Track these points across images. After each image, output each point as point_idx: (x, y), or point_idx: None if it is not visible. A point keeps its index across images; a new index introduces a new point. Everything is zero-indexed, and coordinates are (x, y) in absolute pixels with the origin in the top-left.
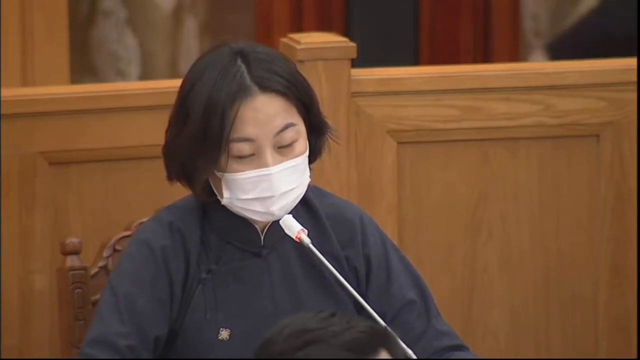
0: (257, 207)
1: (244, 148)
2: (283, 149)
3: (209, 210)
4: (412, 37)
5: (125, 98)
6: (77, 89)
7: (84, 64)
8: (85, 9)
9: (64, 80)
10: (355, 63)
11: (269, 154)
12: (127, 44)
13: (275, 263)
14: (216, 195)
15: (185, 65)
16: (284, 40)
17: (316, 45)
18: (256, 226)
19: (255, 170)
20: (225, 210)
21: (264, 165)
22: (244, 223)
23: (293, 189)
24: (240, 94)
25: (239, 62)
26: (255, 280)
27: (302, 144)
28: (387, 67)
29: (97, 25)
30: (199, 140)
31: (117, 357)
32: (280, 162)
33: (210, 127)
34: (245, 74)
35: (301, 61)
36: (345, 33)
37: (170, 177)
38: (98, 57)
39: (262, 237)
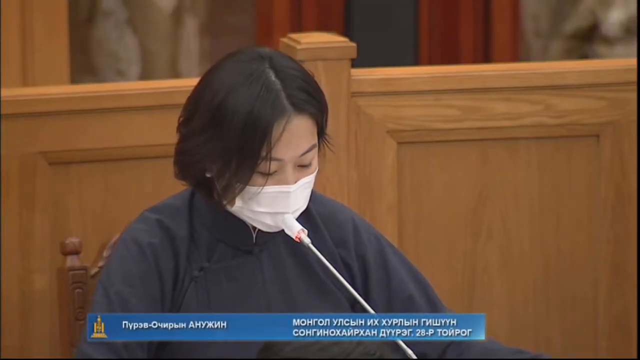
0: (268, 220)
1: (272, 166)
2: (301, 166)
3: (199, 207)
4: (412, 37)
5: (125, 98)
6: (77, 89)
7: (84, 64)
8: (85, 9)
9: (64, 80)
10: (355, 63)
11: (290, 172)
12: (127, 44)
13: (267, 261)
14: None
15: (185, 65)
16: (284, 40)
17: (316, 45)
18: (248, 224)
19: (276, 187)
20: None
21: (284, 182)
22: (236, 221)
23: (303, 206)
24: (280, 115)
25: (273, 77)
26: (248, 278)
27: (316, 162)
28: (387, 67)
29: (97, 25)
30: (232, 154)
31: (114, 356)
32: (299, 179)
33: (248, 145)
34: (282, 93)
35: (301, 61)
36: (345, 33)
37: (185, 180)
38: (98, 57)
39: (254, 235)
